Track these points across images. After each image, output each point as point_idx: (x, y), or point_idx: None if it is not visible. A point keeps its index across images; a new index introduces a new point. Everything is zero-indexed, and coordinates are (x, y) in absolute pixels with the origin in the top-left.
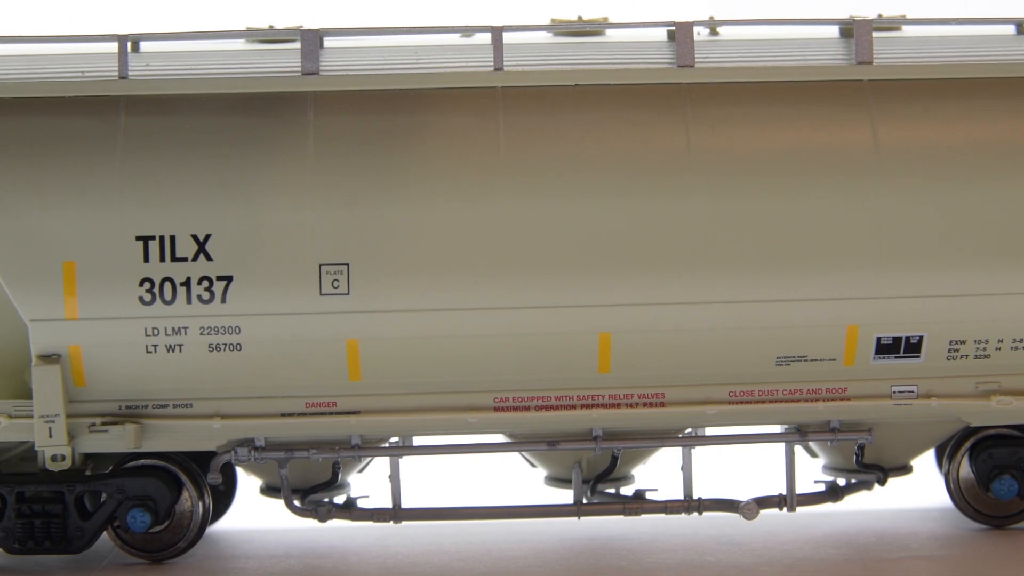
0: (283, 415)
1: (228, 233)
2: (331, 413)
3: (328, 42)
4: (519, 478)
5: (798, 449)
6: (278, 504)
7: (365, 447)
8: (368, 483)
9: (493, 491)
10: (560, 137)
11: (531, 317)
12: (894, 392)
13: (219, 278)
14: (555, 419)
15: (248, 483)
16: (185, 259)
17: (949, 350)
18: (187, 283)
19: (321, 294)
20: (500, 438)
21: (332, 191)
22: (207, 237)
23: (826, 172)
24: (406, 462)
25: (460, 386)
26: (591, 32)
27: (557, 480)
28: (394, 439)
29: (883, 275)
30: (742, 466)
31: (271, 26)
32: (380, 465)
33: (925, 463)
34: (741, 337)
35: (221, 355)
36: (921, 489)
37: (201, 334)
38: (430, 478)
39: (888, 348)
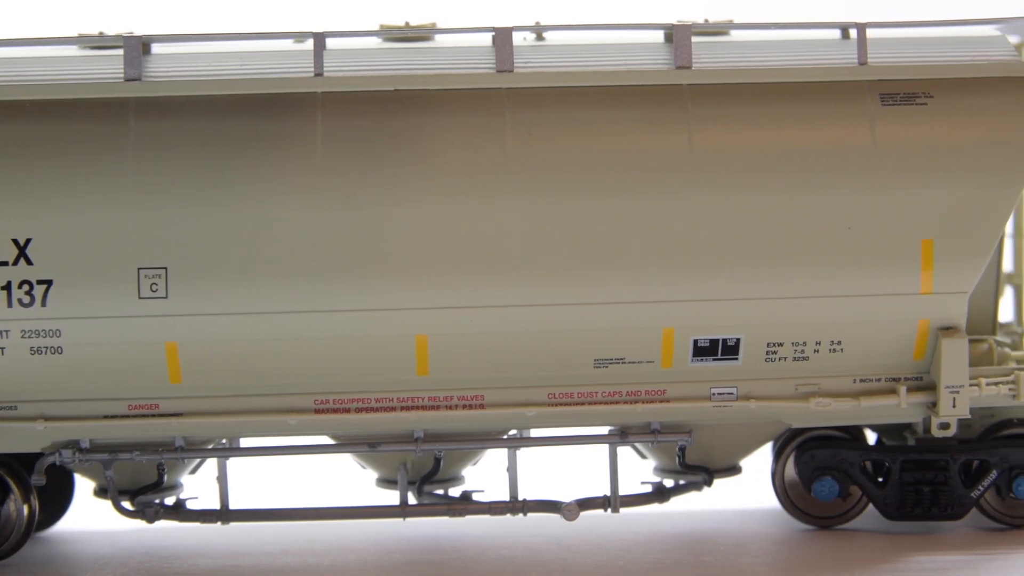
0: (106, 417)
1: (48, 237)
2: (154, 415)
3: (156, 48)
4: (360, 480)
5: (630, 451)
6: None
7: (190, 448)
8: (202, 484)
9: (334, 493)
10: (379, 142)
11: (348, 320)
12: (713, 394)
13: (39, 282)
14: (376, 421)
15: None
16: (6, 263)
17: (767, 352)
18: (8, 287)
19: (140, 297)
20: (327, 440)
21: (151, 195)
22: (28, 241)
23: (642, 175)
24: (249, 464)
25: (280, 388)
26: (419, 37)
27: (387, 482)
28: (223, 440)
29: (698, 278)
30: (581, 468)
31: (101, 32)
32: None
33: (761, 464)
34: (558, 340)
35: (43, 358)
36: (760, 490)
37: (22, 337)
38: (273, 480)
39: (705, 350)
